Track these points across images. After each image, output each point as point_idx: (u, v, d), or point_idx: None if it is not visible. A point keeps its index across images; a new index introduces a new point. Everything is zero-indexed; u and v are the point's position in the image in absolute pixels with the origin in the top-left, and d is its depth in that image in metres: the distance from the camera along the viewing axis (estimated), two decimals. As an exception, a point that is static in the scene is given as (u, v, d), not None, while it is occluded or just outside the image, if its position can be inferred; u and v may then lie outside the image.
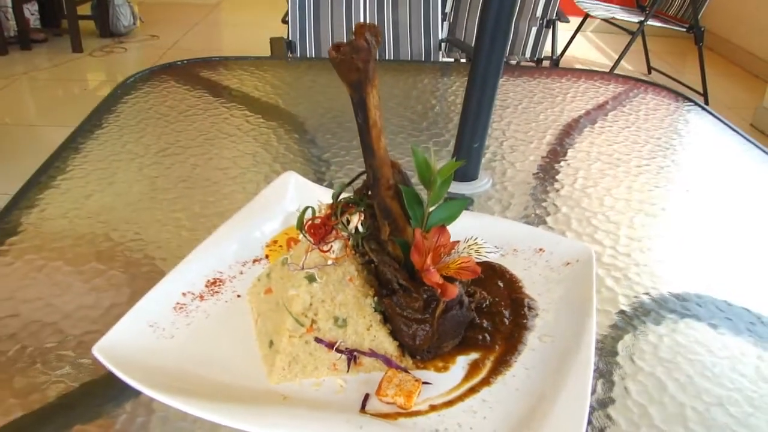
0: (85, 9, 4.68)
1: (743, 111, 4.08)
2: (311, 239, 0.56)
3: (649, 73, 4.61)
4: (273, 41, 2.17)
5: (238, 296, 0.65)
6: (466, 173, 0.91)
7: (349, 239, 0.57)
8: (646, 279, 0.76)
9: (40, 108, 3.57)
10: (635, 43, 4.04)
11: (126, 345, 0.56)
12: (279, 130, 1.06)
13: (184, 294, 0.63)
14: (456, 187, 0.91)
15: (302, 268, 0.56)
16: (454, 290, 0.53)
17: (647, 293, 0.74)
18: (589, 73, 1.47)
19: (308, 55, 2.12)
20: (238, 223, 0.73)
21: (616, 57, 4.64)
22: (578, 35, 4.61)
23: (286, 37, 2.16)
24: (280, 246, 0.72)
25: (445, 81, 1.35)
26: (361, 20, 2.21)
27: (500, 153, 1.03)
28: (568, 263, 0.73)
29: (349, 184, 0.57)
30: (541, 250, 0.75)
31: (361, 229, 0.57)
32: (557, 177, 0.97)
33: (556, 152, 1.06)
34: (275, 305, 0.58)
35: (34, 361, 0.58)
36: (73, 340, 0.61)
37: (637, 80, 1.45)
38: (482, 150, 0.91)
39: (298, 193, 0.80)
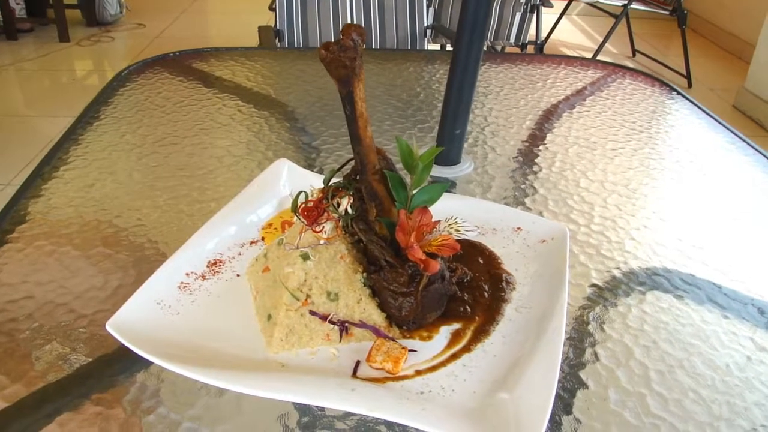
0: (71, -2, 4.68)
1: (726, 92, 4.15)
2: (305, 221, 0.61)
3: (634, 55, 4.66)
4: (261, 30, 2.21)
5: (238, 275, 0.70)
6: (449, 158, 0.97)
7: (339, 220, 0.62)
8: (617, 255, 0.81)
9: (28, 99, 3.59)
10: (620, 26, 4.09)
11: (136, 321, 0.61)
12: (270, 119, 1.11)
13: (187, 274, 0.68)
14: (439, 171, 0.96)
15: (297, 248, 0.61)
16: (436, 265, 0.58)
17: (618, 268, 0.79)
18: (569, 60, 1.53)
19: (296, 44, 2.16)
20: (234, 208, 0.78)
21: (601, 39, 4.70)
22: (563, 19, 4.66)
23: (273, 25, 2.19)
24: (275, 228, 0.77)
25: (430, 69, 1.40)
26: (348, 7, 2.25)
27: (482, 138, 1.08)
28: (544, 241, 0.78)
29: (339, 169, 0.62)
30: (518, 228, 0.80)
31: (350, 211, 0.62)
32: (536, 160, 1.03)
33: (536, 137, 1.11)
34: (272, 282, 0.63)
35: (51, 337, 0.63)
36: (85, 319, 0.66)
37: (616, 66, 1.50)
38: (464, 135, 0.96)
39: (291, 179, 0.85)
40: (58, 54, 4.31)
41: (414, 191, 0.61)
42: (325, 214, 0.62)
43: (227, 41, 4.54)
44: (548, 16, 3.83)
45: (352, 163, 0.62)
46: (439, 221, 0.62)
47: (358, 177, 0.61)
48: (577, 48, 4.85)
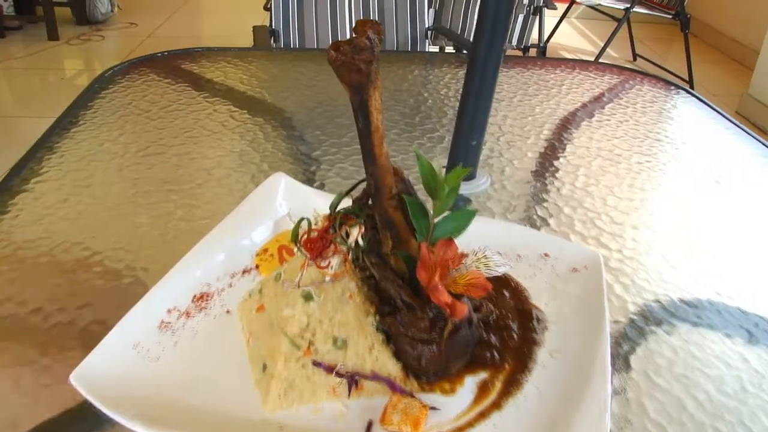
0: (61, -5, 4.57)
1: (728, 98, 4.07)
2: (308, 254, 0.52)
3: (634, 60, 4.59)
4: (256, 30, 2.12)
5: (228, 312, 0.60)
6: (464, 172, 0.87)
7: (348, 253, 0.53)
8: (656, 285, 0.72)
9: (16, 98, 3.48)
10: (620, 30, 4.01)
11: (107, 370, 0.51)
12: (266, 127, 1.01)
13: (169, 311, 0.59)
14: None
15: (298, 286, 0.52)
16: (464, 309, 0.49)
17: (658, 300, 0.70)
18: (584, 64, 1.44)
19: (292, 45, 2.06)
20: (225, 231, 0.69)
21: (601, 43, 4.62)
22: (563, 22, 4.58)
23: (269, 25, 2.10)
24: (271, 255, 0.68)
25: (436, 72, 1.31)
26: (346, 8, 2.15)
27: (497, 149, 0.99)
28: (575, 269, 0.69)
29: (348, 192, 0.53)
30: (546, 255, 0.71)
31: (361, 242, 0.52)
32: (557, 175, 0.93)
33: (555, 148, 1.02)
34: (268, 325, 0.54)
35: (4, 387, 0.54)
36: (49, 364, 0.56)
37: (633, 71, 1.42)
38: (480, 148, 0.86)
39: (288, 196, 0.75)
40: (47, 53, 4.21)
41: (437, 219, 0.52)
42: (332, 245, 0.52)
43: (221, 41, 4.44)
44: (548, 19, 3.75)
45: (364, 185, 0.52)
46: (466, 254, 0.52)
47: (370, 202, 0.51)
48: (578, 51, 4.77)
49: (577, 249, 0.72)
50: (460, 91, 1.19)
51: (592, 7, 4.19)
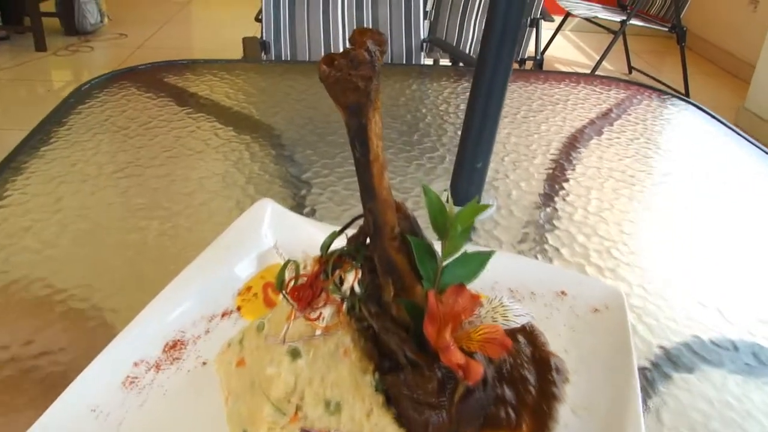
0: (49, 6, 4.50)
1: (724, 111, 4.02)
2: (295, 304, 0.44)
3: (630, 72, 4.55)
4: (246, 41, 2.05)
5: (204, 363, 0.53)
6: (468, 196, 0.80)
7: (343, 303, 0.45)
8: (683, 325, 0.65)
9: (1, 110, 3.39)
10: (615, 42, 3.97)
11: (58, 439, 0.44)
12: (253, 146, 0.94)
13: (136, 364, 0.51)
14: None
15: (284, 341, 0.44)
16: (479, 370, 0.41)
17: (687, 343, 0.63)
18: (589, 78, 1.37)
19: (283, 57, 1.99)
20: (202, 267, 0.61)
21: (596, 56, 4.59)
22: (557, 35, 4.53)
23: (260, 36, 2.03)
24: (255, 294, 0.60)
25: (435, 86, 1.24)
26: (339, 19, 2.09)
27: (502, 170, 0.92)
28: (596, 310, 0.61)
29: (342, 231, 0.45)
30: (562, 293, 0.64)
31: (358, 289, 0.45)
32: (568, 199, 0.86)
33: (564, 168, 0.95)
34: (250, 384, 0.46)
35: (-61, 458, 0.46)
36: (-7, 427, 0.48)
37: (640, 85, 1.35)
38: (486, 170, 0.79)
39: (276, 225, 0.68)
40: (34, 64, 4.14)
41: (446, 262, 0.44)
42: (323, 294, 0.44)
43: (212, 53, 4.36)
44: (543, 31, 3.70)
45: (360, 221, 0.45)
46: (480, 302, 0.45)
47: (368, 242, 0.44)
48: (573, 64, 4.73)
49: (597, 285, 0.65)
50: (461, 106, 1.12)
51: (588, 19, 4.15)
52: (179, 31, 5.03)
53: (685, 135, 1.13)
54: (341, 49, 0.36)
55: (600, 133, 1.09)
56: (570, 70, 4.48)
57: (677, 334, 0.64)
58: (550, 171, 0.94)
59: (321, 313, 0.45)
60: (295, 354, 0.44)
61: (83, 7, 4.56)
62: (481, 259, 0.45)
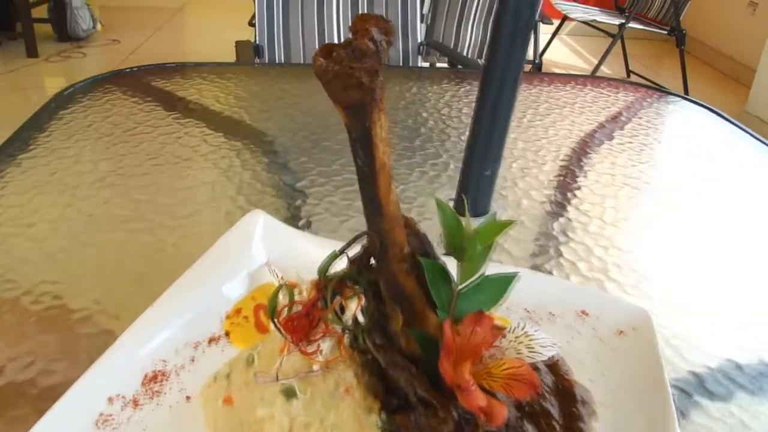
0: (42, 12, 4.44)
1: (725, 115, 3.98)
2: (289, 337, 0.38)
3: (628, 76, 4.50)
4: (239, 45, 1.99)
5: (188, 398, 0.47)
6: (476, 207, 0.74)
7: (344, 334, 0.39)
8: (717, 347, 0.59)
9: (-6, 116, 3.33)
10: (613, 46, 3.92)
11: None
12: (244, 152, 0.88)
13: (110, 399, 0.45)
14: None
15: (276, 379, 0.38)
16: (503, 413, 0.35)
17: (722, 370, 0.57)
18: (595, 80, 1.32)
19: (277, 61, 1.94)
20: (188, 286, 0.55)
21: (593, 60, 4.55)
22: (554, 39, 4.49)
23: (253, 40, 1.98)
24: (245, 317, 0.54)
25: (436, 89, 1.18)
26: (334, 22, 2.04)
27: (510, 178, 0.86)
28: (622, 332, 0.56)
29: (342, 251, 0.39)
30: (584, 313, 0.58)
31: (361, 318, 0.39)
32: (581, 208, 0.81)
33: (575, 176, 0.89)
34: (239, 425, 0.40)
35: None
36: (-56, 476, 0.42)
37: (649, 87, 1.30)
38: (495, 178, 0.74)
39: (268, 240, 0.62)
40: (26, 70, 4.08)
41: (463, 286, 0.39)
42: (321, 324, 0.39)
43: (206, 58, 4.30)
44: (540, 35, 3.65)
45: (364, 240, 0.39)
46: (503, 331, 0.39)
47: (374, 264, 0.38)
48: (570, 68, 4.69)
49: (621, 305, 0.59)
50: (464, 110, 1.07)
51: (586, 23, 4.10)
52: (172, 37, 4.98)
53: (700, 139, 1.07)
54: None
55: (611, 137, 1.03)
56: (567, 73, 4.44)
57: (710, 358, 0.58)
58: (561, 178, 0.88)
59: (319, 346, 0.39)
60: (289, 393, 0.38)
61: (76, 12, 4.50)
62: (503, 282, 0.39)
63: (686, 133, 1.09)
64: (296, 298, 0.38)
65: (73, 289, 0.60)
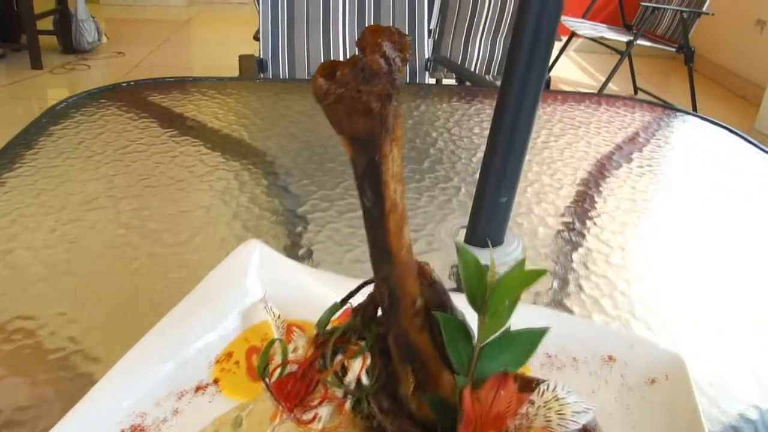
0: (47, 24, 4.43)
1: (734, 134, 3.93)
2: (283, 403, 0.33)
3: (636, 93, 4.46)
4: (242, 59, 1.95)
5: (167, 460, 0.41)
6: (490, 236, 0.69)
7: (346, 399, 0.34)
8: (759, 396, 0.54)
9: (-4, 128, 3.30)
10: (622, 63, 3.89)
11: None
12: (242, 174, 0.83)
13: (78, 461, 0.40)
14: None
15: (266, 451, 0.33)
16: (533, 498, 0.30)
17: (765, 423, 0.51)
18: (610, 99, 1.27)
19: (281, 76, 1.89)
20: (173, 326, 0.50)
21: (600, 77, 4.51)
22: (561, 56, 4.46)
23: (257, 55, 1.94)
24: (237, 362, 0.49)
25: (445, 107, 1.13)
26: (340, 37, 1.99)
27: (525, 203, 0.81)
28: (654, 380, 0.50)
29: (346, 301, 0.34)
30: (610, 358, 0.53)
31: (366, 380, 0.34)
32: (602, 237, 0.75)
33: (593, 201, 0.84)
34: (222, 501, 0.35)
35: None
36: None
37: (666, 106, 1.25)
38: (511, 206, 0.68)
39: (265, 272, 0.57)
40: (30, 82, 4.07)
41: (484, 344, 0.33)
42: (321, 387, 0.33)
43: (210, 72, 4.28)
44: (550, 51, 3.61)
45: (371, 287, 0.34)
46: (530, 395, 0.34)
47: (382, 317, 0.33)
48: (577, 85, 4.65)
49: (651, 349, 0.53)
50: (475, 130, 1.02)
51: (594, 39, 4.06)
52: (177, 50, 4.96)
53: (723, 161, 1.02)
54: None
55: (629, 159, 0.98)
56: (581, 92, 4.40)
57: (751, 409, 0.52)
58: (579, 204, 0.83)
59: (316, 414, 0.33)
60: (281, 469, 0.32)
61: (81, 25, 4.49)
62: (530, 338, 0.34)
63: (707, 155, 1.04)
64: (291, 355, 0.33)
65: (50, 325, 0.55)
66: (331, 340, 0.32)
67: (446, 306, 0.33)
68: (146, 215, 0.72)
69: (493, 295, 0.32)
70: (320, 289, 0.55)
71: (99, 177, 0.80)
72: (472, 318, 0.34)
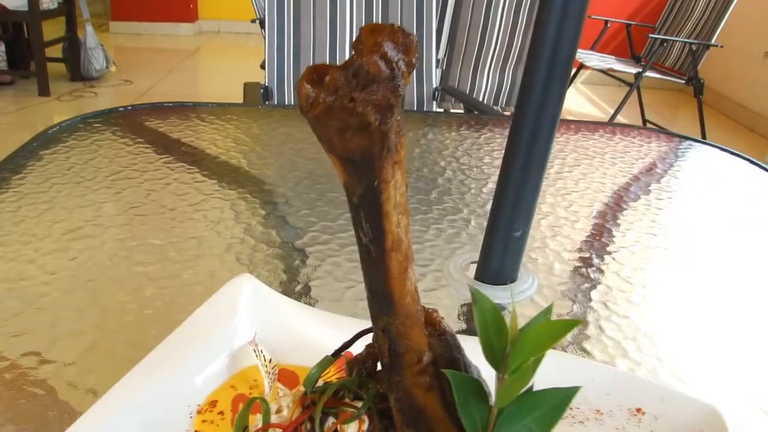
0: (57, 51, 4.44)
1: (745, 167, 3.88)
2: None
3: (644, 125, 4.42)
4: (247, 87, 1.92)
5: None
6: (502, 273, 0.64)
7: (337, 471, 0.29)
8: (803, 458, 0.48)
9: (1, 154, 3.28)
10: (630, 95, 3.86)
11: None
12: (238, 203, 0.78)
13: None
14: (488, 293, 0.63)
15: None
16: None
17: (815, 488, 0.46)
18: (625, 128, 1.22)
19: (286, 104, 1.86)
20: (151, 372, 0.44)
21: (608, 108, 4.49)
22: (570, 87, 4.43)
23: (263, 82, 1.91)
24: (221, 414, 0.43)
25: (453, 136, 1.09)
26: (347, 65, 1.96)
27: (540, 237, 0.76)
28: (688, 438, 0.45)
29: (339, 354, 0.29)
30: (638, 411, 0.47)
31: (362, 448, 0.28)
32: (623, 274, 0.70)
33: (611, 235, 0.79)
34: None
35: None
36: None
37: (682, 136, 1.20)
38: (525, 240, 0.63)
39: (256, 311, 0.51)
40: (36, 108, 4.07)
41: (503, 407, 0.28)
42: (308, 457, 0.28)
43: (215, 100, 4.27)
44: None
45: (369, 337, 0.28)
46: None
47: (382, 372, 0.28)
48: (585, 117, 4.61)
49: (684, 401, 0.48)
50: (485, 159, 0.97)
51: (602, 71, 4.04)
52: (184, 79, 4.97)
53: (746, 193, 0.97)
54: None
55: (647, 191, 0.93)
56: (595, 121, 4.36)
57: (797, 473, 0.47)
58: (597, 238, 0.77)
59: (302, 490, 0.28)
60: None
61: (90, 53, 4.50)
62: (558, 399, 0.28)
63: (728, 186, 0.99)
64: (274, 417, 0.28)
65: (15, 368, 0.49)
66: (321, 400, 0.27)
67: (458, 362, 0.28)
68: (133, 246, 0.67)
69: (514, 349, 0.27)
70: (317, 330, 0.50)
71: (87, 204, 0.76)
72: (488, 373, 0.29)
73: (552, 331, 0.26)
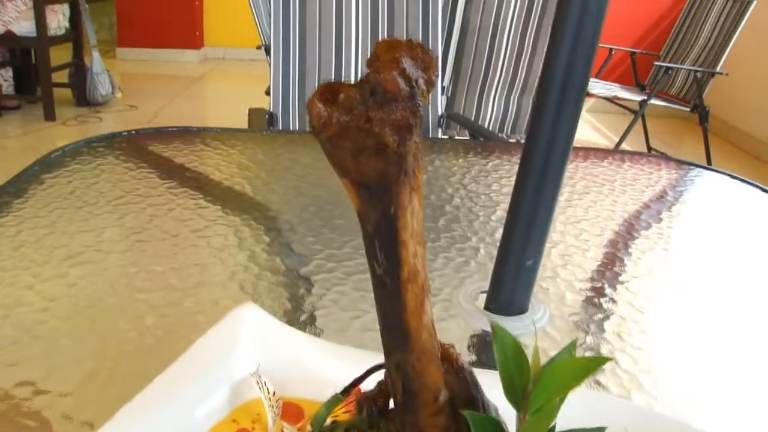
0: (63, 77, 4.48)
1: (750, 195, 3.86)
2: None
3: (649, 152, 4.42)
4: (252, 112, 1.92)
5: None
6: (513, 303, 0.62)
7: None
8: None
9: (5, 179, 3.28)
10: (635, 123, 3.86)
11: None
12: (242, 230, 0.76)
13: None
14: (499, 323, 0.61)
15: None
16: None
17: None
18: (634, 156, 1.21)
19: (291, 130, 1.86)
20: (148, 405, 0.43)
21: (612, 136, 4.49)
22: (576, 114, 4.44)
23: (268, 108, 1.91)
24: (221, 450, 0.41)
25: (461, 163, 1.07)
26: (352, 91, 1.96)
27: (551, 266, 0.74)
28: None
29: (348, 392, 0.27)
30: (659, 449, 0.45)
31: (373, 494, 0.26)
32: (636, 304, 0.68)
33: (623, 264, 0.77)
34: None
35: None
36: None
37: (691, 164, 1.19)
38: (537, 269, 0.61)
39: (259, 342, 0.49)
40: (42, 133, 4.10)
41: (525, 450, 0.26)
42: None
43: (220, 126, 4.28)
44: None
45: (381, 374, 0.27)
46: None
47: (394, 411, 0.26)
48: (590, 145, 4.61)
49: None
50: (494, 186, 0.95)
51: (607, 99, 4.05)
52: (190, 105, 5.00)
53: (761, 224, 0.95)
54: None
55: (659, 219, 0.91)
56: (604, 148, 4.36)
57: None
58: (609, 267, 0.76)
59: None
60: None
61: (96, 78, 4.54)
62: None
63: (742, 215, 0.97)
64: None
65: (8, 398, 0.48)
66: (329, 442, 0.25)
67: (476, 401, 0.26)
68: (134, 273, 0.65)
69: (537, 388, 0.25)
70: (323, 362, 0.48)
71: (88, 229, 0.74)
72: (507, 411, 0.27)
73: (577, 368, 0.24)
